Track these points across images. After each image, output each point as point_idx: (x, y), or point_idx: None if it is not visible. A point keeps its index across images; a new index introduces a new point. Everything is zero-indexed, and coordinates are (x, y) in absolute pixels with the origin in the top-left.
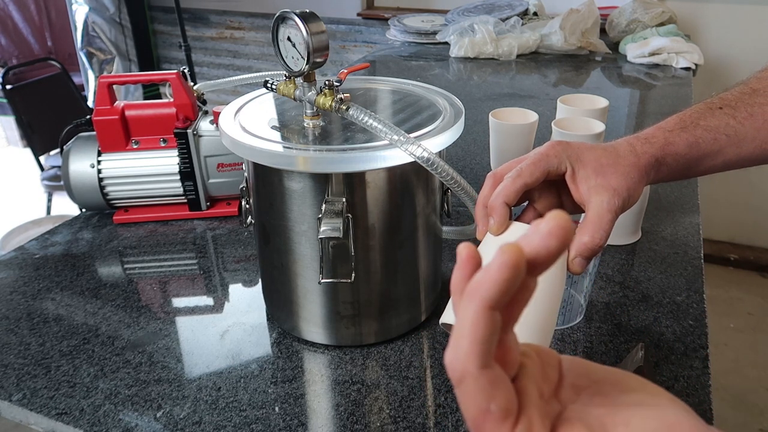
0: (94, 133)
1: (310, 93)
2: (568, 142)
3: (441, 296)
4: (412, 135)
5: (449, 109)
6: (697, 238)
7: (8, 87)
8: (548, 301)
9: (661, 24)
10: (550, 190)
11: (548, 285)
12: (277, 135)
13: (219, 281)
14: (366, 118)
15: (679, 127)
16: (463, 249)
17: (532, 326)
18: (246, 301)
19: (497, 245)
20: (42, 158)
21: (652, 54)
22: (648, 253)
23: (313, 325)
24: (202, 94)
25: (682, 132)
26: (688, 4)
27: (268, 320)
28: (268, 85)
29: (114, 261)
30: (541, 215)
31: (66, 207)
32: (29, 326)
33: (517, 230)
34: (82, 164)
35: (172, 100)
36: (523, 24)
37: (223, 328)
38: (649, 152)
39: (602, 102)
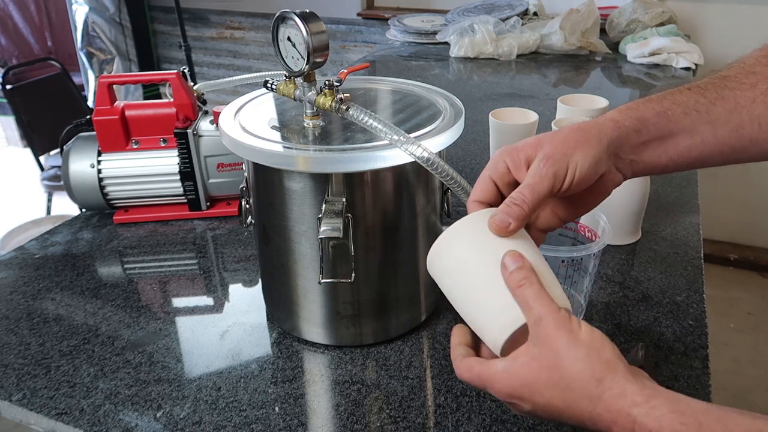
0: (94, 133)
1: (310, 93)
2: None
3: (441, 296)
4: (412, 135)
5: (449, 109)
6: (697, 238)
7: (8, 87)
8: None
9: (661, 24)
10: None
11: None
12: (277, 135)
13: (219, 281)
14: (366, 118)
15: (645, 100)
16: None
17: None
18: (246, 301)
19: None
20: (42, 158)
21: (652, 54)
22: (648, 253)
23: (313, 325)
24: (202, 94)
25: (648, 102)
26: (688, 4)
27: (268, 320)
28: (268, 85)
29: (114, 261)
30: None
31: (66, 207)
32: (29, 326)
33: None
34: (82, 164)
35: (172, 100)
36: (523, 24)
37: (223, 328)
38: (610, 116)
39: (602, 102)
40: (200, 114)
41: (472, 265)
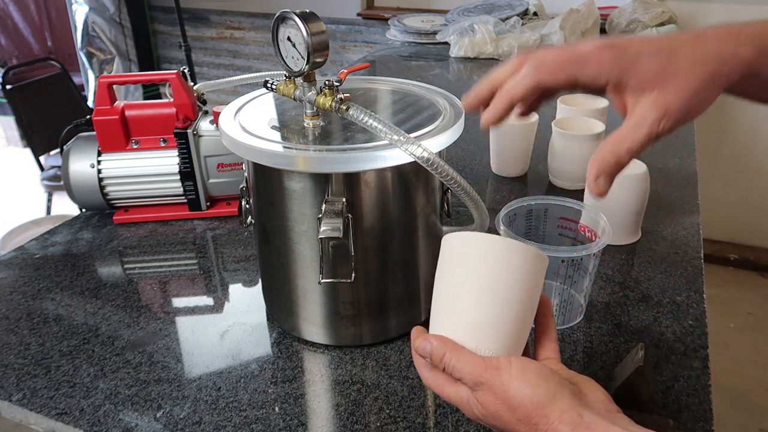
0: (94, 133)
1: (310, 93)
2: (624, 46)
3: None
4: (412, 135)
5: (449, 109)
6: (697, 238)
7: (8, 87)
8: (520, 307)
9: (661, 24)
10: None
11: (524, 290)
12: (277, 135)
13: (219, 281)
14: (366, 118)
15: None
16: None
17: (504, 331)
18: (246, 301)
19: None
20: (42, 158)
21: None
22: (648, 253)
23: (313, 325)
24: (202, 94)
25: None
26: (688, 4)
27: (268, 320)
28: (268, 85)
29: (114, 261)
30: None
31: (66, 207)
32: (29, 326)
33: (476, 240)
34: (82, 164)
35: (172, 100)
36: (523, 24)
37: (223, 328)
38: (742, 55)
39: (602, 102)
40: (200, 114)
41: (488, 277)
